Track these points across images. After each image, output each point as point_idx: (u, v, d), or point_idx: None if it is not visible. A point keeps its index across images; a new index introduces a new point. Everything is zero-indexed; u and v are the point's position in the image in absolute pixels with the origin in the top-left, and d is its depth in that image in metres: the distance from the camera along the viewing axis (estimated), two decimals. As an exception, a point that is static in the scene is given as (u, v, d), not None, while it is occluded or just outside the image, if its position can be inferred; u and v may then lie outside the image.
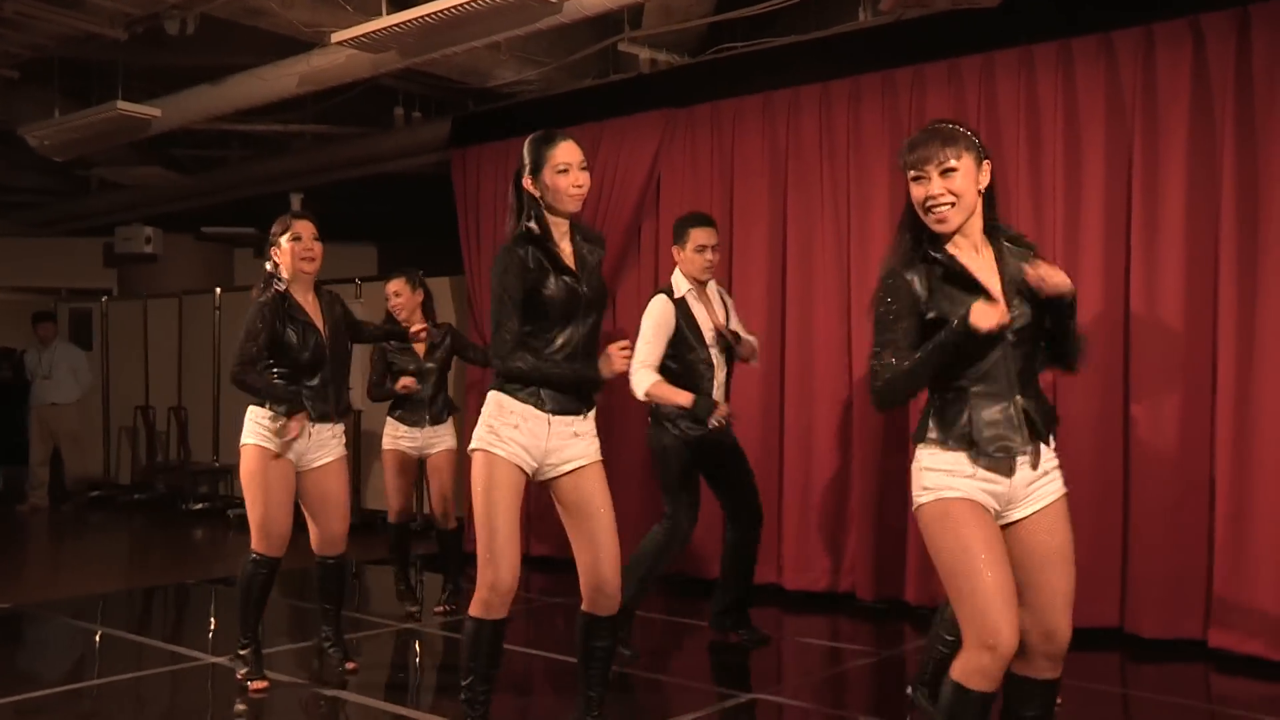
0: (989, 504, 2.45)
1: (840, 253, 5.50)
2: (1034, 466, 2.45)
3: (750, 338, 4.50)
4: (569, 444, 3.11)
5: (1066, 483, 2.54)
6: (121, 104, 6.60)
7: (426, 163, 7.73)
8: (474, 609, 3.11)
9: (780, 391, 5.71)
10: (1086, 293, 4.75)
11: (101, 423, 10.28)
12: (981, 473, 2.43)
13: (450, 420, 5.36)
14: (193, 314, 9.74)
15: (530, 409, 3.07)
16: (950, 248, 2.49)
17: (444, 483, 5.27)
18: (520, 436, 3.06)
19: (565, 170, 3.09)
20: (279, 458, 3.96)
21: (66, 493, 9.80)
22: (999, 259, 2.50)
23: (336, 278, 8.68)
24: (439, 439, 5.30)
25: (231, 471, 9.27)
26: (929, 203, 2.44)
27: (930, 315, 2.44)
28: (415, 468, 5.38)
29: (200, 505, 9.33)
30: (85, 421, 9.89)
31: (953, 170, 2.43)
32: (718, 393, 4.38)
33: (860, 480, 5.38)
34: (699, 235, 4.41)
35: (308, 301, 4.07)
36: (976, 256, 2.50)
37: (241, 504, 8.86)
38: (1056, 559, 2.47)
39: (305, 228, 4.03)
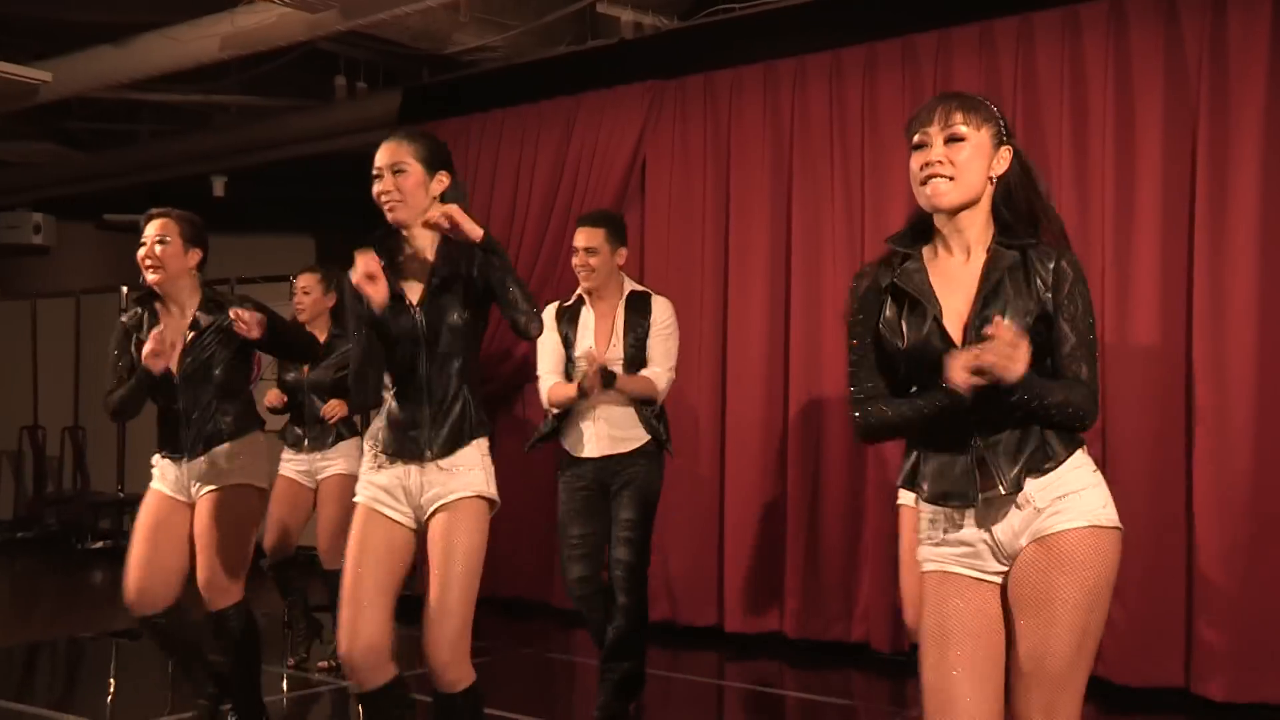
0: (968, 573, 2.41)
1: (853, 247, 5.53)
2: (1015, 506, 2.38)
3: (650, 373, 4.43)
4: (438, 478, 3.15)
5: (1122, 519, 2.50)
6: (2, 65, 6.57)
7: (373, 141, 7.63)
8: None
9: (784, 410, 5.73)
10: (1140, 296, 4.80)
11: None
12: (953, 533, 2.42)
13: (343, 445, 5.32)
14: (92, 317, 9.69)
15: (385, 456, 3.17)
16: (928, 250, 2.47)
17: (328, 513, 5.28)
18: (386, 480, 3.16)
19: (376, 175, 3.15)
20: (162, 494, 3.99)
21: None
22: (989, 273, 2.40)
23: (268, 275, 8.69)
24: (329, 465, 5.32)
25: (141, 501, 9.21)
26: (924, 170, 2.41)
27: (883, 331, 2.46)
28: (307, 497, 5.39)
29: (100, 544, 9.27)
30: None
31: (960, 139, 2.40)
32: (588, 423, 4.43)
33: (875, 511, 5.40)
34: (575, 236, 4.50)
35: (174, 316, 3.99)
36: (952, 263, 2.45)
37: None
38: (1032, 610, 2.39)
39: (151, 227, 3.95)
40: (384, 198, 3.13)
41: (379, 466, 3.16)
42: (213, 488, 3.92)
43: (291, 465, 5.36)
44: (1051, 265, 2.39)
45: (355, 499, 3.20)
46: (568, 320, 4.55)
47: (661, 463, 4.54)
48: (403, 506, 3.14)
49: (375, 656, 3.07)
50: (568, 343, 4.51)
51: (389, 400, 3.18)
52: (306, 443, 5.30)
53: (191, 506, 3.97)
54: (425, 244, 3.17)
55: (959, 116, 2.40)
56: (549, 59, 6.65)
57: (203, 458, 3.92)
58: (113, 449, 9.41)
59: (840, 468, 5.56)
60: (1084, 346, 2.38)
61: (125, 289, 9.48)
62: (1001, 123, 2.45)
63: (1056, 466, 2.37)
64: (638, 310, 4.51)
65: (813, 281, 5.67)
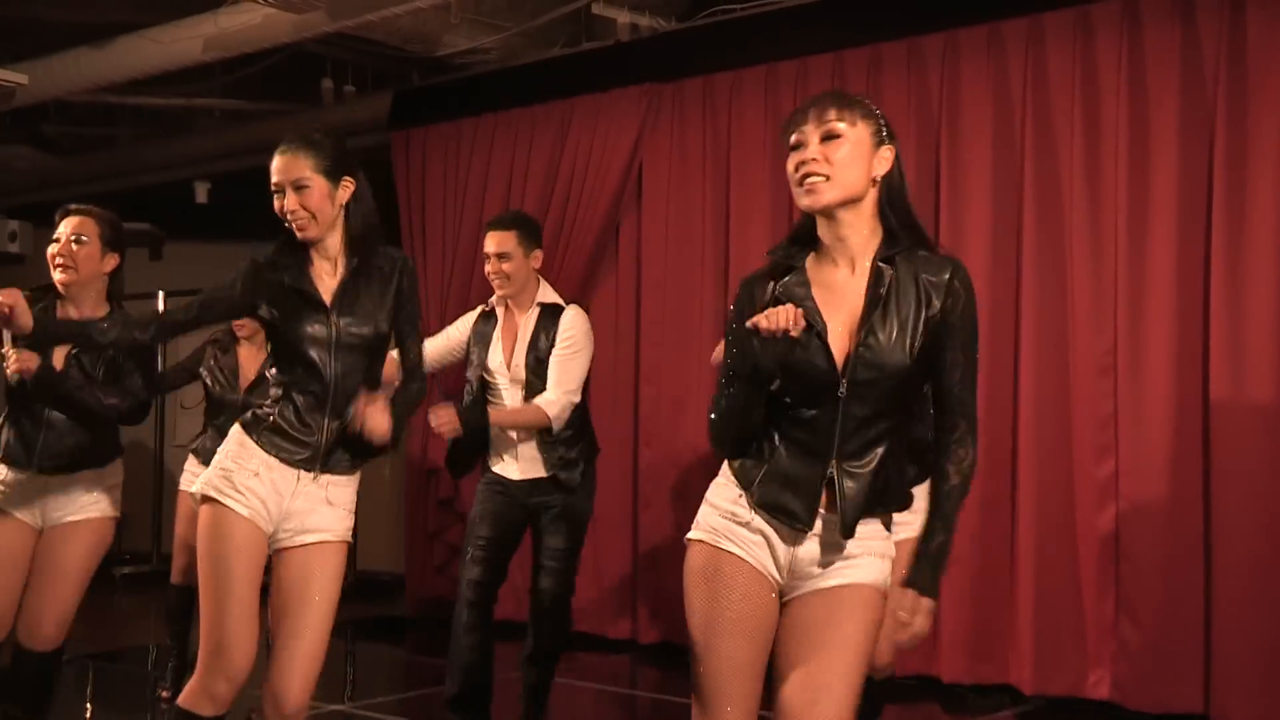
0: (755, 563, 2.39)
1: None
2: (832, 544, 2.36)
3: (540, 401, 4.23)
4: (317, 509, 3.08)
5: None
6: (-23, 67, 6.52)
7: (361, 146, 7.66)
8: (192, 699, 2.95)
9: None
10: (1154, 306, 4.76)
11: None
12: (759, 521, 2.39)
13: None
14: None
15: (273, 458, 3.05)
16: (811, 260, 2.40)
17: None
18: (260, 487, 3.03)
19: (276, 191, 3.05)
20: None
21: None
22: (874, 288, 2.33)
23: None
24: None
25: (125, 523, 9.11)
26: (800, 170, 2.34)
27: None
28: None
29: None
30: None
31: (836, 136, 2.32)
32: (508, 441, 4.35)
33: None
34: (485, 242, 4.38)
35: (72, 318, 3.75)
36: (837, 275, 2.37)
37: (129, 561, 8.83)
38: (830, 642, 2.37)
39: (66, 224, 3.77)
40: (291, 217, 3.03)
41: (254, 471, 3.03)
42: (74, 518, 3.70)
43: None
44: (945, 280, 2.31)
45: (197, 488, 3.08)
46: (482, 328, 4.41)
47: (591, 485, 4.42)
48: (267, 515, 3.04)
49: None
50: (480, 353, 4.36)
51: (287, 400, 3.08)
52: None
53: (39, 532, 3.74)
54: (336, 250, 3.10)
55: (834, 113, 2.34)
56: (543, 61, 6.61)
57: (59, 481, 3.69)
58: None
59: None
60: (970, 376, 2.35)
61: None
62: (882, 121, 2.38)
63: (880, 515, 2.41)
64: (546, 323, 4.33)
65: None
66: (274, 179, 3.03)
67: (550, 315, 4.34)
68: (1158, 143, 4.80)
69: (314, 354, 3.03)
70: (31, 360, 3.56)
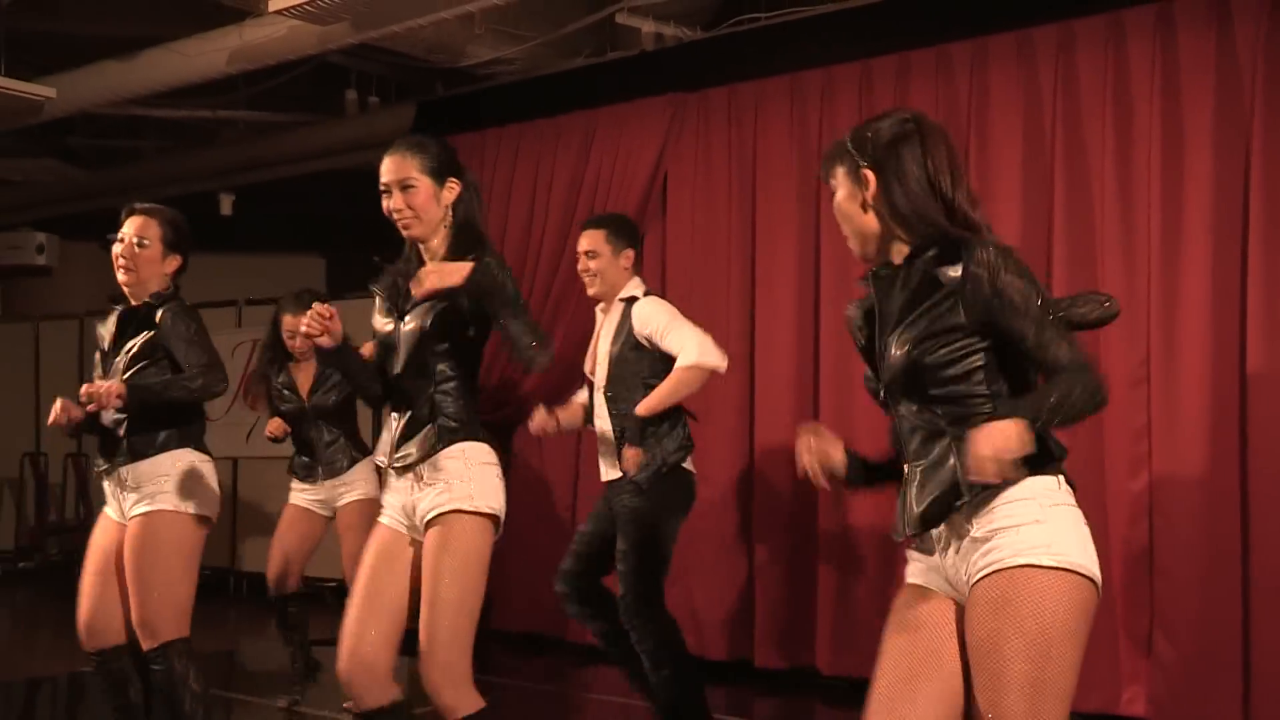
0: (933, 583, 2.39)
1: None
2: (948, 547, 2.33)
3: (677, 370, 4.34)
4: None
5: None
6: (5, 81, 6.62)
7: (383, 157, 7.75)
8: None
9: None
10: (1189, 317, 4.75)
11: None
12: (923, 545, 2.42)
13: (358, 468, 5.32)
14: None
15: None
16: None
17: (352, 542, 5.20)
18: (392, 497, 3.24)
19: (384, 192, 3.19)
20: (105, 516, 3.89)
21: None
22: (898, 289, 2.39)
23: (276, 296, 8.67)
24: (346, 490, 5.30)
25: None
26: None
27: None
28: (319, 527, 5.38)
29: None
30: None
31: (835, 192, 2.45)
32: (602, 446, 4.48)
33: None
34: (579, 241, 4.55)
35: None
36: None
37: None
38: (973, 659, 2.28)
39: (130, 225, 3.86)
40: (396, 216, 3.18)
41: (388, 484, 3.24)
42: (144, 510, 3.75)
43: (305, 495, 5.34)
44: (961, 266, 2.29)
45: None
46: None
47: (664, 486, 4.39)
48: (406, 521, 3.18)
49: (371, 675, 3.07)
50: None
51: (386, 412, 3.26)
52: (320, 471, 5.28)
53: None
54: (440, 251, 3.22)
55: (826, 175, 2.47)
56: (567, 71, 6.66)
57: (129, 476, 3.77)
58: (116, 477, 9.40)
59: (874, 496, 5.50)
60: (1045, 328, 2.24)
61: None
62: (850, 149, 2.42)
63: (974, 503, 2.25)
64: (625, 316, 4.45)
65: (843, 303, 5.52)
66: (382, 180, 3.18)
67: (628, 306, 4.46)
68: (1192, 150, 4.78)
69: (384, 357, 3.20)
70: (112, 395, 3.63)
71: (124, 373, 3.79)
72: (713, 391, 5.89)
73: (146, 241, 3.84)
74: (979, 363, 2.30)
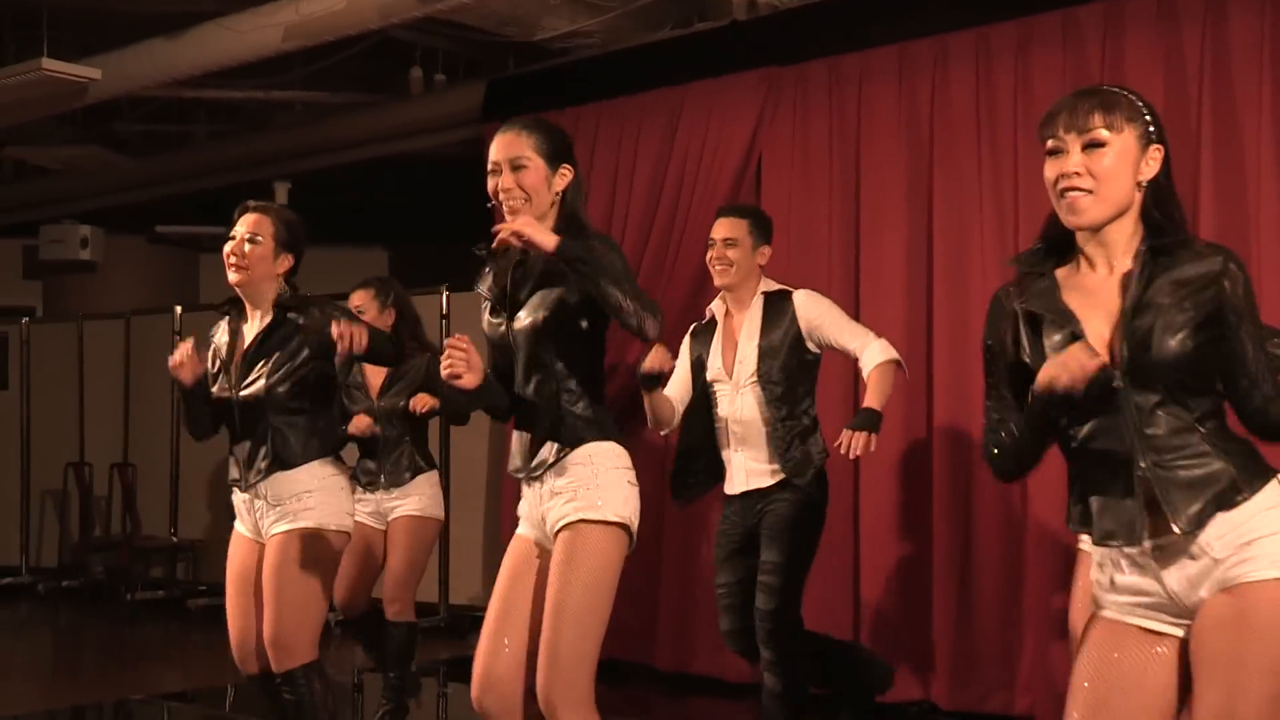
0: (1142, 623, 2.41)
1: (1005, 255, 5.41)
2: (1190, 554, 2.35)
3: (871, 365, 4.46)
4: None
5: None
6: (48, 63, 6.75)
7: (452, 140, 7.82)
8: None
9: (927, 446, 5.65)
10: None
11: (19, 485, 10.47)
12: (1123, 577, 2.43)
13: (420, 480, 5.40)
14: (144, 340, 9.88)
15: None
16: (1066, 269, 2.50)
17: (396, 557, 5.35)
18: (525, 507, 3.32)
19: (493, 170, 3.24)
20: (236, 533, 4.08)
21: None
22: (1137, 279, 2.40)
23: (337, 291, 8.72)
24: (401, 502, 5.38)
25: (195, 548, 9.41)
26: (1060, 183, 2.44)
27: (1017, 360, 2.51)
28: (378, 543, 5.44)
29: (151, 594, 9.46)
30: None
31: (1099, 145, 2.41)
32: (730, 451, 4.52)
33: (1037, 563, 5.29)
34: (714, 229, 4.62)
35: (246, 326, 4.08)
36: (1093, 278, 2.47)
37: (205, 593, 9.09)
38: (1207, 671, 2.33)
39: (243, 223, 4.04)
40: (504, 196, 3.22)
41: (522, 494, 3.32)
42: (284, 528, 3.94)
43: (361, 509, 5.41)
44: (1217, 267, 2.38)
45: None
46: (702, 340, 4.67)
47: (813, 495, 4.51)
48: (539, 531, 3.25)
49: (504, 700, 3.14)
50: (700, 365, 4.61)
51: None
52: (382, 479, 5.36)
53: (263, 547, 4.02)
54: None
55: (1099, 119, 2.41)
56: (651, 44, 6.67)
57: (268, 491, 3.95)
58: (166, 489, 9.59)
59: (994, 511, 5.46)
60: (1262, 351, 2.39)
61: (179, 309, 9.68)
62: (1149, 120, 2.45)
63: (1246, 501, 2.34)
64: (774, 311, 4.53)
65: (958, 296, 5.57)
66: (492, 158, 3.24)
67: (778, 301, 4.56)
68: (1248, 133, 4.80)
69: (500, 359, 3.28)
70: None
71: (276, 384, 3.96)
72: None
73: (259, 238, 4.00)
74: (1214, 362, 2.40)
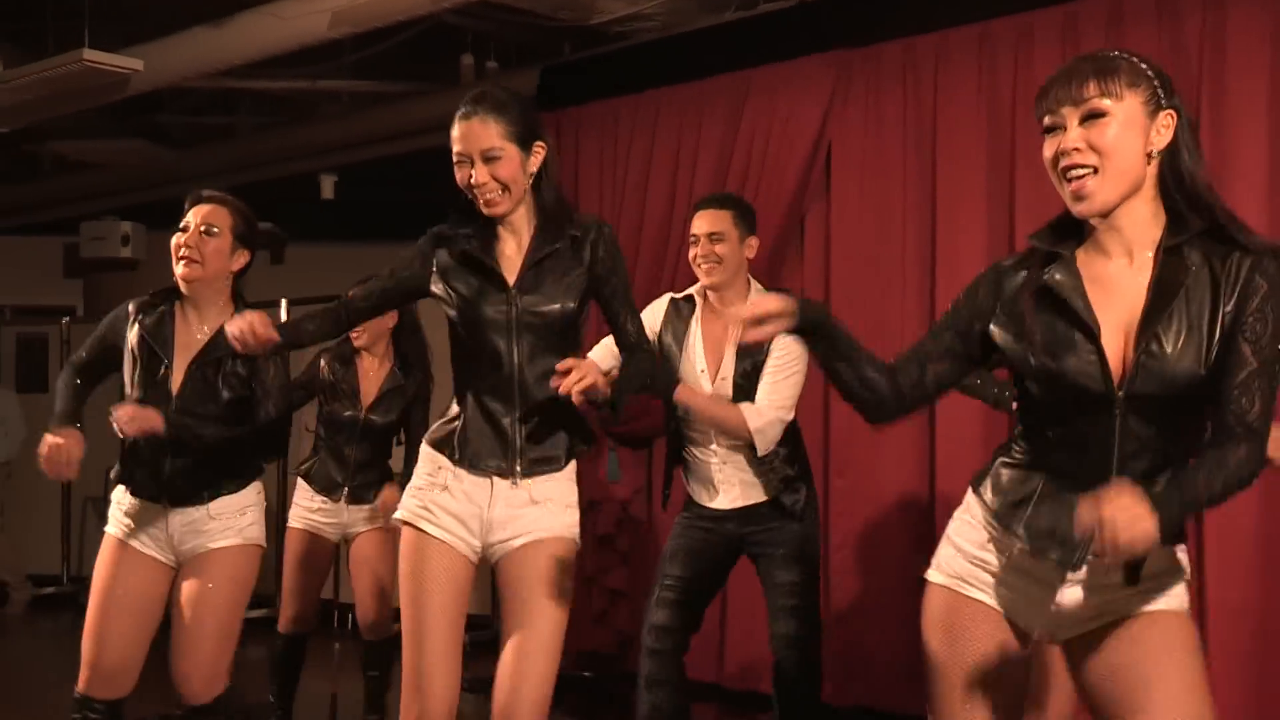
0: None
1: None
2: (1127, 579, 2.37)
3: (746, 407, 4.26)
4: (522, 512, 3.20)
5: None
6: (89, 53, 6.81)
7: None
8: None
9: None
10: None
11: (59, 492, 10.58)
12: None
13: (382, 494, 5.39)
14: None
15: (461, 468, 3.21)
16: (1086, 253, 2.40)
17: (373, 575, 5.34)
18: (452, 503, 3.20)
19: (460, 162, 3.17)
20: (122, 544, 3.88)
21: (3, 589, 10.07)
22: (1161, 284, 2.29)
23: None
24: (365, 518, 5.37)
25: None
26: (1061, 161, 2.34)
27: (985, 328, 2.45)
28: (329, 555, 5.46)
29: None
30: (24, 490, 10.17)
31: (1099, 115, 2.31)
32: (717, 467, 4.38)
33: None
34: (693, 222, 4.45)
35: (192, 325, 3.91)
36: (1110, 268, 2.36)
37: (260, 603, 9.06)
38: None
39: (196, 212, 3.88)
40: (479, 190, 3.14)
41: (444, 485, 3.18)
42: (215, 546, 3.84)
43: (317, 515, 5.38)
44: (1244, 271, 2.25)
45: (399, 515, 3.23)
46: (675, 323, 4.46)
47: (816, 510, 4.47)
48: (470, 535, 3.18)
49: None
50: (666, 352, 4.42)
51: (469, 402, 3.20)
52: (347, 492, 5.34)
53: (173, 569, 3.90)
54: (523, 223, 3.23)
55: (1094, 87, 2.31)
56: (714, 27, 6.62)
57: (196, 509, 3.84)
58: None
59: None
60: (1264, 376, 2.24)
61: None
62: (1155, 82, 2.32)
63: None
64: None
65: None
66: (457, 149, 3.16)
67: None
68: None
69: (494, 340, 3.16)
70: (152, 419, 3.68)
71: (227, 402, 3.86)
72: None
73: (216, 229, 3.86)
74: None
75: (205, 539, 3.83)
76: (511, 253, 3.22)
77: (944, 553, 2.56)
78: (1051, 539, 2.38)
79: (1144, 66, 2.34)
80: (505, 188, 3.13)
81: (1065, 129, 2.33)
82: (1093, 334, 2.31)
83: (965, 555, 2.51)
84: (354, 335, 5.36)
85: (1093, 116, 2.30)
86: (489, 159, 3.11)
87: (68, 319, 10.92)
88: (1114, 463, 2.31)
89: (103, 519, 4.04)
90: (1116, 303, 2.33)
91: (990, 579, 2.47)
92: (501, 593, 3.23)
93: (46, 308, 11.61)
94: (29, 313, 11.63)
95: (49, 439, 3.71)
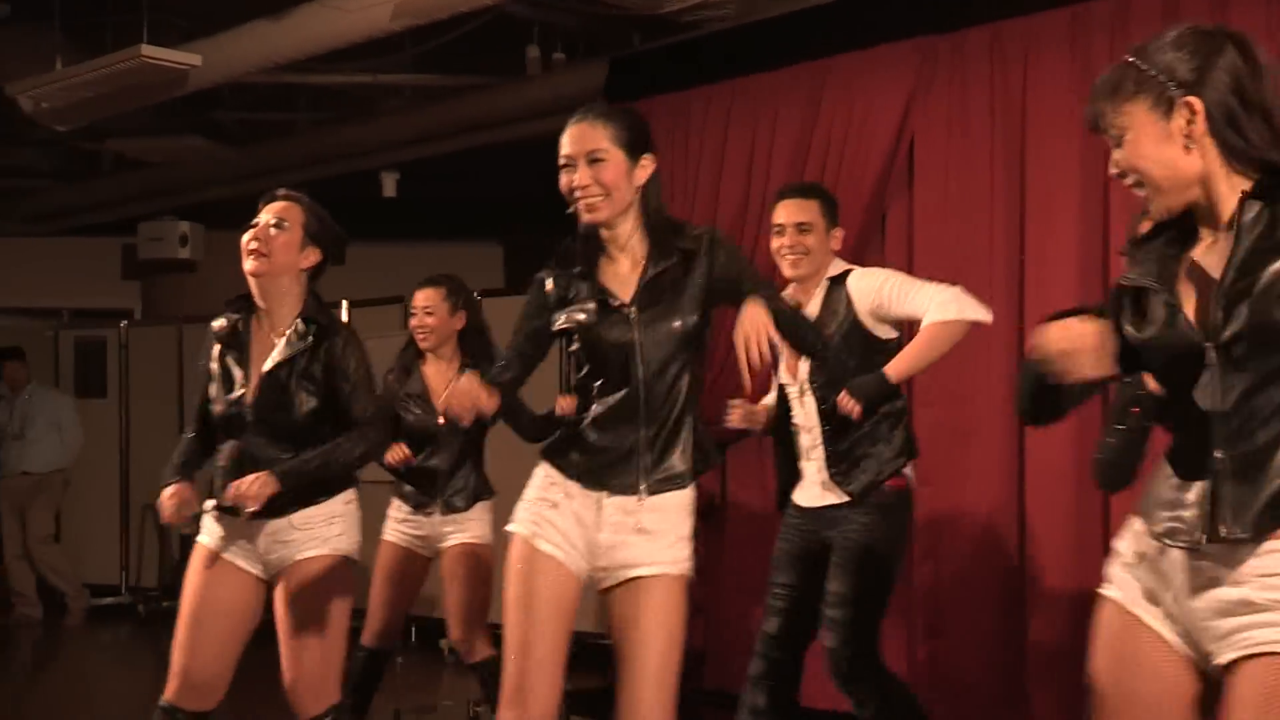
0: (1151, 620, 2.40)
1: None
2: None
3: (925, 327, 4.25)
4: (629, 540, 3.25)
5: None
6: (147, 49, 6.88)
7: (571, 123, 7.80)
8: None
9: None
10: None
11: (118, 499, 10.69)
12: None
13: (478, 507, 5.36)
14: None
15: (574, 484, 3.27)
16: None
17: (459, 594, 5.30)
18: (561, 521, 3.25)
19: (566, 165, 3.22)
20: (213, 554, 3.92)
21: (60, 599, 10.16)
22: (1241, 236, 2.26)
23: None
24: (455, 530, 5.33)
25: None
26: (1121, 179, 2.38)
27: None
28: (420, 570, 5.44)
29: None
30: (81, 498, 10.29)
31: (1122, 136, 2.32)
32: (809, 465, 4.38)
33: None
34: (776, 212, 4.44)
35: (264, 331, 3.95)
36: (1205, 245, 2.34)
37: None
38: None
39: (268, 210, 3.96)
40: (580, 194, 3.20)
41: (554, 502, 3.25)
42: (302, 557, 3.84)
43: (407, 530, 5.36)
44: None
45: (512, 528, 3.29)
46: None
47: (903, 513, 4.39)
48: (579, 556, 3.23)
49: None
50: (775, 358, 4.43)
51: (591, 418, 3.26)
52: (438, 505, 5.31)
53: (264, 581, 3.92)
54: (633, 239, 3.26)
55: (1108, 116, 2.35)
56: (790, 14, 6.59)
57: (279, 520, 3.83)
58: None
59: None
60: None
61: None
62: (1161, 77, 2.30)
63: None
64: (833, 297, 4.36)
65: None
66: (565, 151, 3.22)
67: (835, 288, 4.39)
68: None
69: (617, 360, 3.22)
70: (269, 486, 3.67)
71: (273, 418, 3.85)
72: (976, 398, 5.73)
73: (286, 224, 3.91)
74: None
75: (291, 550, 3.84)
76: (625, 272, 3.28)
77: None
78: (1169, 523, 2.40)
79: (1145, 67, 2.33)
80: (606, 193, 3.18)
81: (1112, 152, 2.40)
82: (1170, 301, 2.35)
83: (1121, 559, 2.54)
84: (420, 338, 5.36)
85: (1118, 139, 2.34)
86: (593, 160, 3.18)
87: (125, 322, 11.04)
88: (1214, 422, 2.31)
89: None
90: (1205, 273, 2.33)
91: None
92: (611, 625, 3.29)
93: (104, 311, 11.74)
94: (85, 316, 11.76)
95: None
